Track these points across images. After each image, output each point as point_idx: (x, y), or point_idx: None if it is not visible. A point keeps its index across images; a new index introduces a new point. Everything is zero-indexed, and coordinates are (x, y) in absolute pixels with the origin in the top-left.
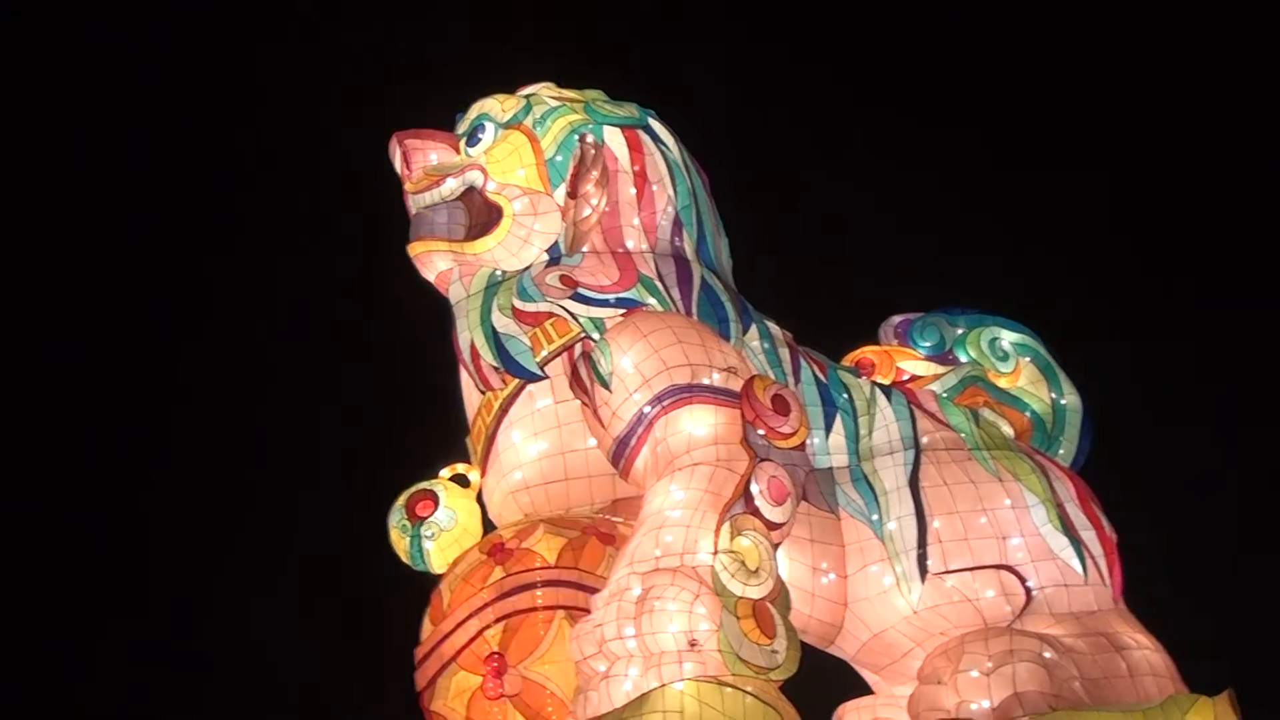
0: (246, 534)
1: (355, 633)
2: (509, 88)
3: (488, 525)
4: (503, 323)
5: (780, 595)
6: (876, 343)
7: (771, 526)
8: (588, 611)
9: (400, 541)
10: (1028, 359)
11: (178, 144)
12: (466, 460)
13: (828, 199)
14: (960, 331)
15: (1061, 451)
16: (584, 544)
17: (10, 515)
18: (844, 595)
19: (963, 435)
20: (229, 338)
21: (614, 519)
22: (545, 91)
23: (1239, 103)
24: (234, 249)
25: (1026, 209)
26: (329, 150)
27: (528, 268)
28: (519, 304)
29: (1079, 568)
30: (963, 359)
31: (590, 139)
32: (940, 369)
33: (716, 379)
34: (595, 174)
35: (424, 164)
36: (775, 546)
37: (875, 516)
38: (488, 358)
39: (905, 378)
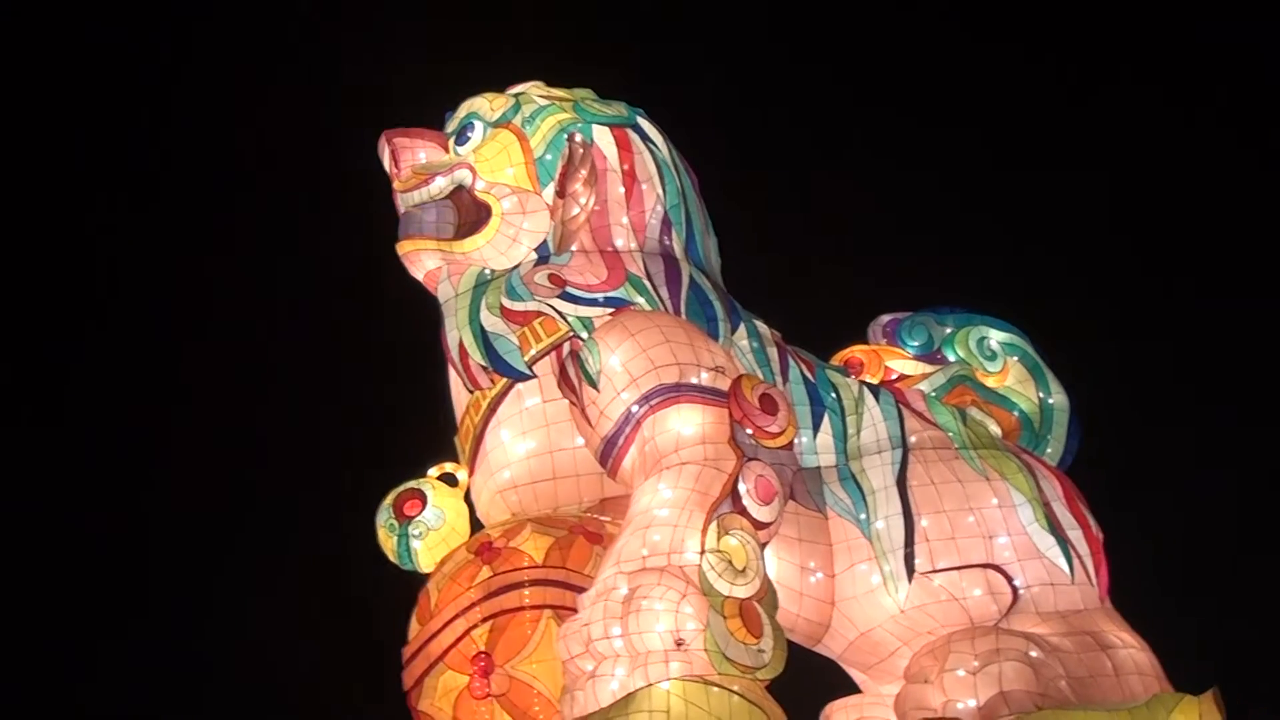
0: (246, 534)
1: (355, 633)
2: (509, 88)
3: (475, 524)
4: (491, 321)
5: (767, 595)
6: (866, 342)
7: (759, 526)
8: (575, 611)
9: (388, 541)
10: (1015, 358)
11: (178, 144)
12: (454, 459)
13: (828, 199)
14: (948, 331)
15: (1049, 450)
16: (571, 543)
17: (10, 515)
18: (831, 594)
19: (950, 434)
20: (229, 338)
21: (602, 518)
22: (534, 90)
23: (1239, 103)
24: (234, 249)
25: (1026, 209)
26: (329, 150)
27: (516, 266)
28: (507, 303)
29: (1065, 567)
30: (951, 358)
31: (579, 138)
32: (928, 368)
33: (704, 378)
34: (584, 173)
35: (412, 162)
36: (762, 546)
37: (863, 515)
38: (476, 356)
39: (894, 377)
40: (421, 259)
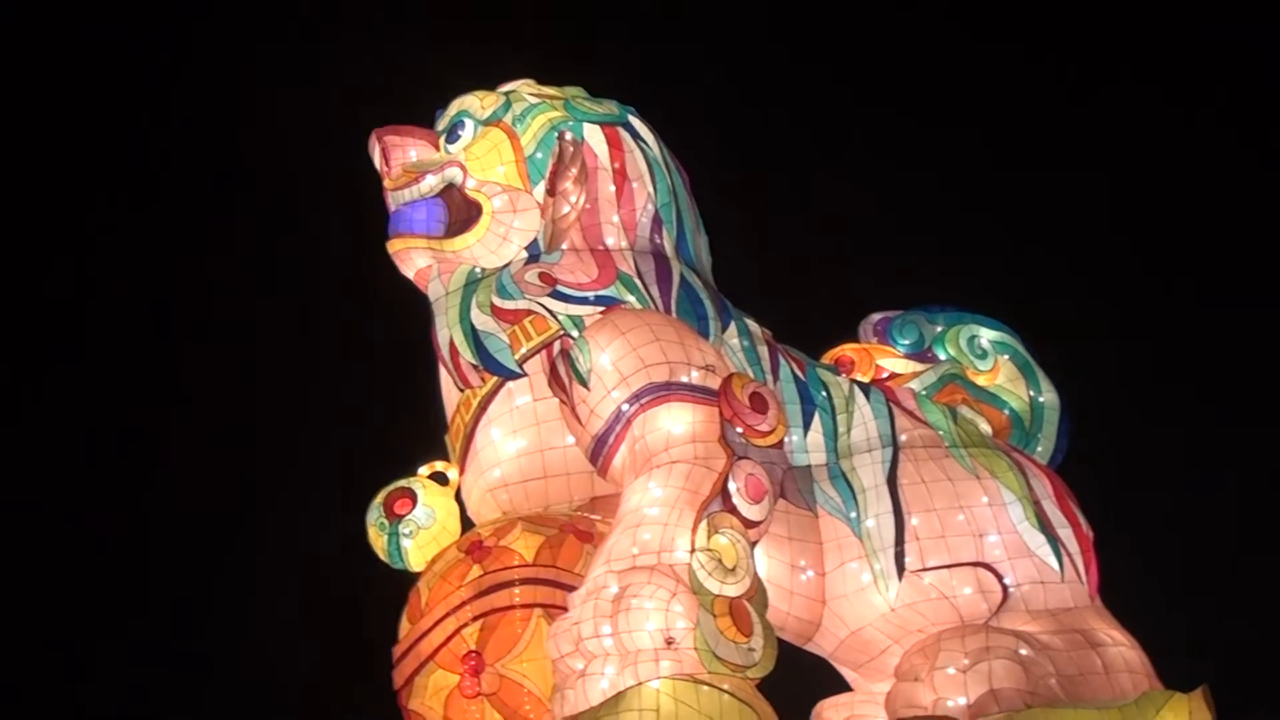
0: (246, 534)
1: (355, 633)
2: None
3: (466, 523)
4: (482, 320)
5: (757, 593)
6: (857, 340)
7: (749, 524)
8: (565, 609)
9: (378, 539)
10: (1006, 357)
11: (178, 144)
12: (445, 457)
13: (828, 199)
14: (939, 329)
15: (1039, 449)
16: (562, 542)
17: (10, 515)
18: (822, 593)
19: (940, 433)
20: (229, 338)
21: (592, 517)
22: (525, 88)
23: (1239, 103)
24: (234, 249)
25: (1026, 209)
26: (329, 150)
27: (507, 265)
28: (498, 301)
29: (1055, 565)
30: (941, 357)
31: (569, 136)
32: (919, 367)
33: (695, 377)
34: (574, 171)
35: (403, 160)
36: (753, 544)
37: (853, 514)
38: (466, 355)
39: (884, 375)
40: (412, 257)
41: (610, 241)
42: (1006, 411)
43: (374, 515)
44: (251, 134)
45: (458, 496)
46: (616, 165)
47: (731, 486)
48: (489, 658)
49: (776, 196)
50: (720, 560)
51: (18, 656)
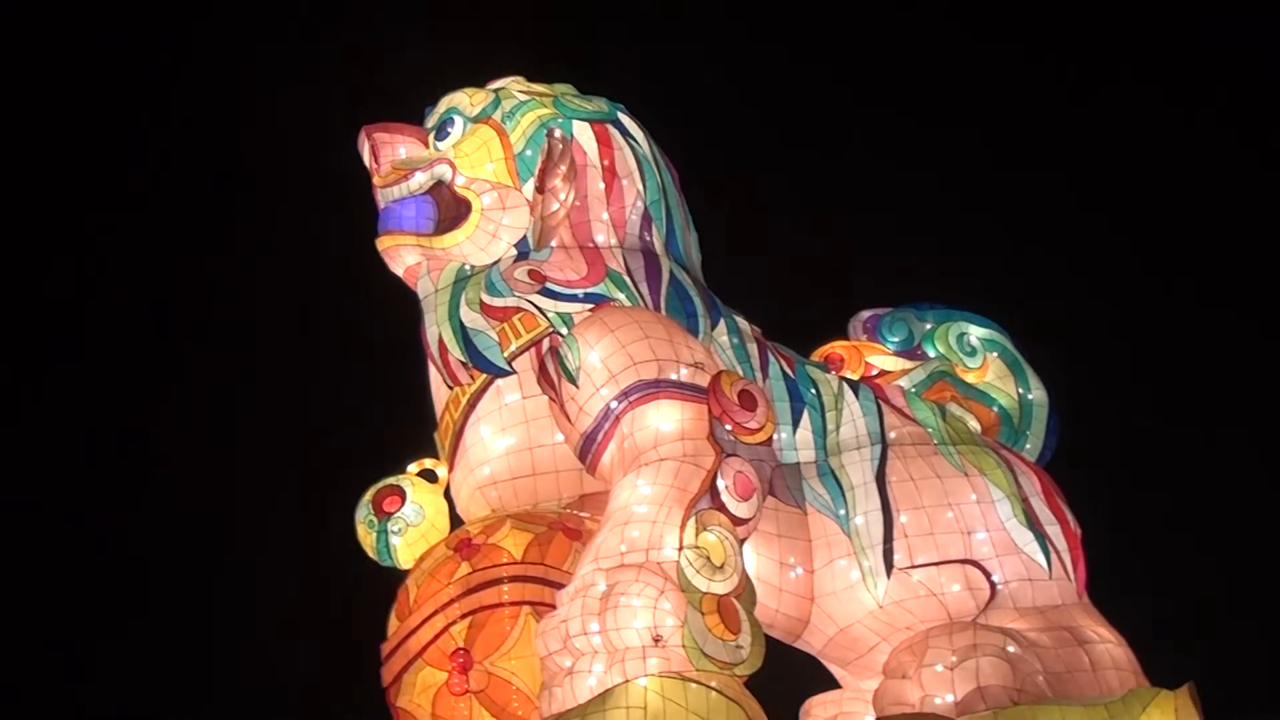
0: (246, 534)
1: (355, 632)
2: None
3: (455, 520)
4: (471, 317)
5: (745, 591)
6: (847, 338)
7: (737, 522)
8: (554, 607)
9: (367, 537)
10: (995, 354)
11: (178, 144)
12: (434, 455)
13: (828, 198)
14: (929, 327)
15: (1028, 446)
16: (550, 539)
17: (10, 515)
18: (811, 590)
19: (929, 430)
20: (229, 338)
21: (581, 514)
22: (514, 86)
23: (1239, 103)
24: (234, 249)
25: (1026, 209)
26: (328, 150)
27: (496, 262)
28: (487, 299)
29: (1044, 562)
30: (931, 354)
31: (558, 133)
32: (909, 364)
33: (684, 374)
34: (563, 168)
35: (392, 157)
36: (741, 542)
37: (842, 511)
38: (455, 353)
39: (874, 373)
40: (401, 254)
41: (600, 239)
42: (995, 409)
43: (363, 513)
44: (251, 134)
45: (447, 494)
46: (606, 162)
47: (720, 484)
48: (477, 655)
49: (776, 196)
50: (708, 558)
51: (18, 656)
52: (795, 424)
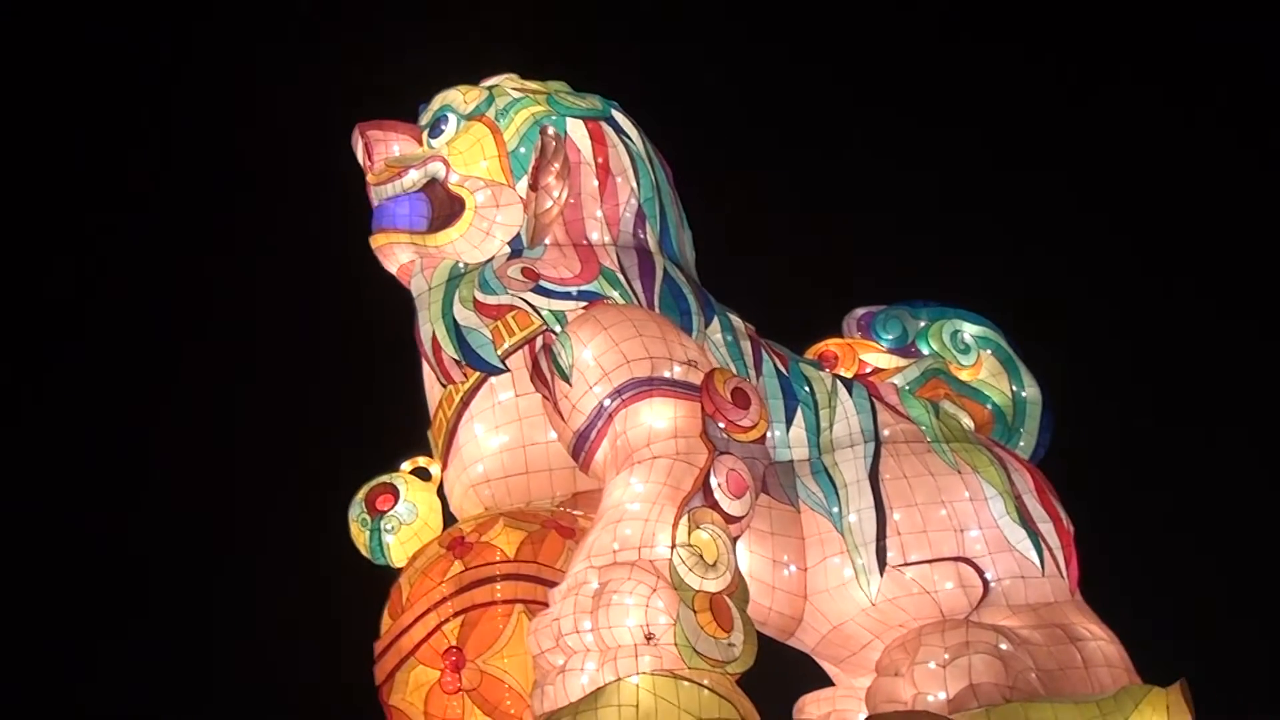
0: (246, 534)
1: (356, 632)
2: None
3: (448, 518)
4: (464, 315)
5: (738, 589)
6: (841, 335)
7: (730, 520)
8: (546, 605)
9: (360, 535)
10: (989, 351)
11: (177, 144)
12: (428, 453)
13: (827, 198)
14: (922, 324)
15: (1021, 444)
16: (543, 537)
17: (10, 515)
18: (804, 588)
19: (922, 428)
20: (229, 338)
21: (574, 512)
22: (508, 83)
23: (1239, 103)
24: (234, 249)
25: (1026, 209)
26: (328, 150)
27: (489, 260)
28: (480, 296)
29: (1036, 560)
30: (925, 351)
31: (552, 131)
32: (902, 361)
33: (677, 372)
34: (556, 166)
35: (386, 155)
36: (734, 540)
37: (835, 509)
38: (449, 350)
39: (867, 370)
40: (395, 252)
41: (593, 236)
42: (989, 406)
43: (356, 511)
44: (251, 134)
45: (440, 492)
46: (599, 160)
47: (713, 482)
48: (470, 653)
49: (776, 196)
50: (701, 556)
51: (18, 656)
52: (789, 422)
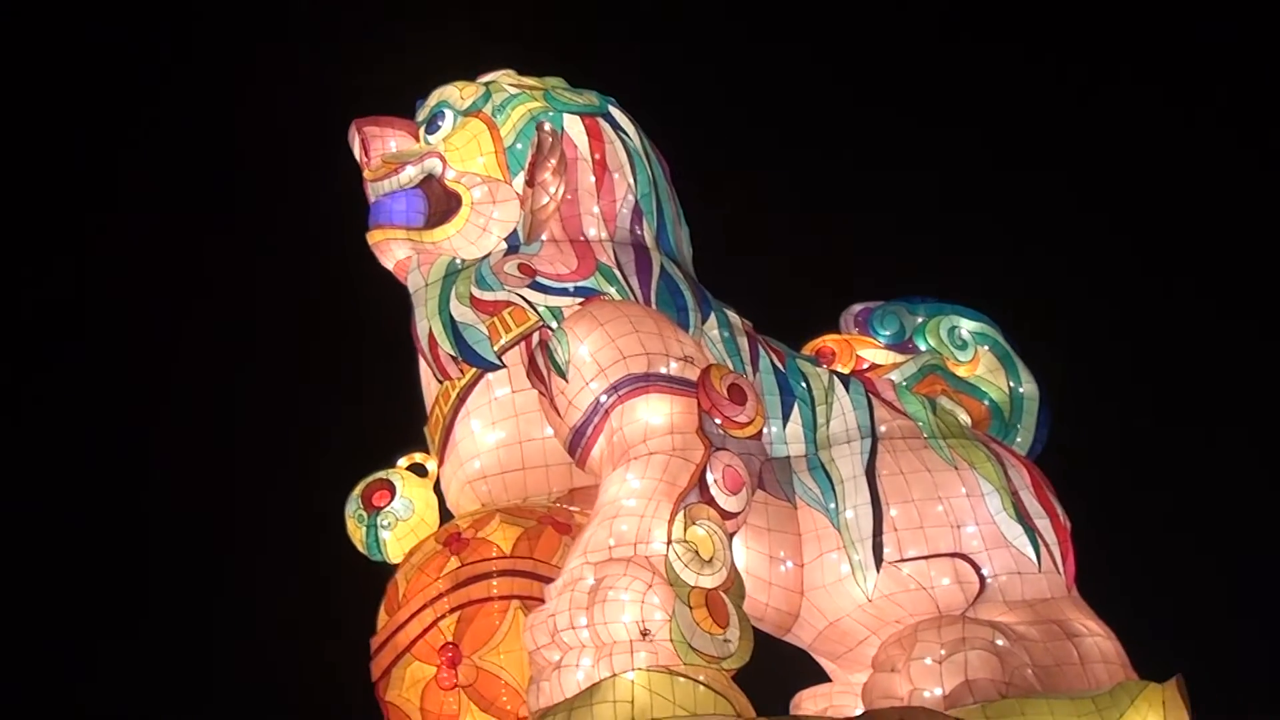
0: (246, 534)
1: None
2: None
3: (445, 515)
4: (461, 311)
5: (734, 585)
6: (839, 331)
7: (726, 516)
8: (542, 601)
9: (356, 531)
10: (986, 347)
11: (177, 143)
12: (424, 449)
13: (827, 198)
14: (920, 320)
15: (1018, 440)
16: (540, 533)
17: (10, 515)
18: (801, 583)
19: (919, 423)
20: (228, 337)
21: (570, 508)
22: (505, 79)
23: (1239, 103)
24: (234, 248)
25: (1026, 209)
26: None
27: (486, 256)
28: (477, 292)
29: (1033, 555)
30: (922, 347)
31: (549, 127)
32: (900, 358)
33: (673, 368)
34: (553, 162)
35: (382, 151)
36: (730, 536)
37: (832, 505)
38: (445, 346)
39: (865, 366)
40: (391, 248)
41: (590, 233)
42: (986, 402)
43: (352, 507)
44: (250, 134)
45: (436, 488)
46: (596, 156)
47: (709, 478)
48: (466, 649)
49: (776, 196)
50: (697, 552)
51: (18, 656)
52: (785, 418)
